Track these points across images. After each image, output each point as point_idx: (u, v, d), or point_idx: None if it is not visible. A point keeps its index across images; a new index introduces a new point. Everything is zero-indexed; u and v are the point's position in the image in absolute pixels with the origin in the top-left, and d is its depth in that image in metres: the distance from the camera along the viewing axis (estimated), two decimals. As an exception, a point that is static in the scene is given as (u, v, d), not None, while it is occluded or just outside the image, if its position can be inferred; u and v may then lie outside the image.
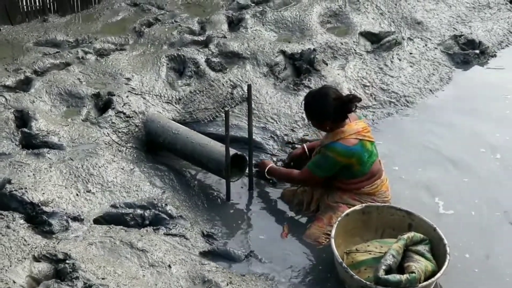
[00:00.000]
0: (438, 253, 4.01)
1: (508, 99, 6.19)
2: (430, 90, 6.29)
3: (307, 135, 5.38)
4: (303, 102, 4.43)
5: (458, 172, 5.09)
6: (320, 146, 4.46)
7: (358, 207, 4.27)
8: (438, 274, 3.85)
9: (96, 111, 5.21)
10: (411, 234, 4.00)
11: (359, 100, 4.34)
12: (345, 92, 5.80)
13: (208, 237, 4.35)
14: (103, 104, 5.26)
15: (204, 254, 4.18)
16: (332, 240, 3.98)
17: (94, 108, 5.24)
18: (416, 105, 6.06)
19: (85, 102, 5.24)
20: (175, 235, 4.25)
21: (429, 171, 5.09)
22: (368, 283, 3.79)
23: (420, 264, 3.86)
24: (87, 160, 4.64)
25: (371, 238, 4.23)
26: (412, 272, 3.78)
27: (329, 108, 4.28)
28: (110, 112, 5.13)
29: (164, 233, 4.24)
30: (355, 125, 4.39)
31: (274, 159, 5.14)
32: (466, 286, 4.07)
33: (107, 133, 4.98)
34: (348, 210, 4.23)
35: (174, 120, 5.30)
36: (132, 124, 5.13)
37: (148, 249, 3.99)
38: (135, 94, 5.39)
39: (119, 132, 5.04)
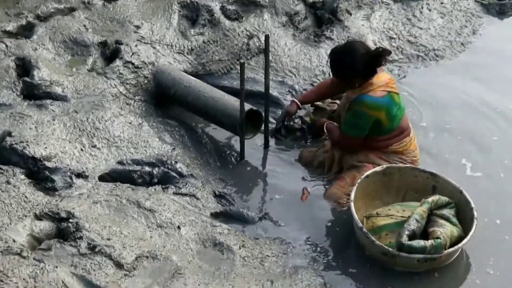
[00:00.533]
0: (464, 218, 3.95)
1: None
2: (462, 44, 6.13)
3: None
4: (329, 59, 4.31)
5: (488, 131, 5.00)
6: (347, 102, 4.36)
7: (379, 168, 4.20)
8: (465, 240, 3.80)
9: (102, 61, 5.14)
10: (435, 197, 3.94)
11: (389, 53, 4.27)
12: (370, 45, 5.66)
13: (220, 197, 4.31)
14: (110, 53, 5.18)
15: (215, 216, 4.15)
16: (352, 204, 3.92)
17: (100, 57, 5.16)
18: (447, 59, 5.91)
19: (91, 50, 5.16)
20: (185, 194, 4.22)
21: (456, 130, 5.01)
22: (390, 249, 3.75)
23: (445, 229, 3.80)
24: (92, 113, 4.58)
25: (392, 201, 4.17)
26: (438, 238, 3.73)
27: (358, 64, 4.18)
28: (118, 62, 5.05)
29: (173, 192, 4.21)
30: (383, 76, 4.32)
31: (279, 111, 5.03)
32: (494, 254, 4.01)
33: (114, 85, 4.91)
34: (368, 172, 4.16)
35: (185, 72, 5.22)
36: (141, 75, 5.05)
37: (156, 209, 3.96)
38: (145, 43, 5.30)
39: (127, 83, 4.97)
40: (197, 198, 4.22)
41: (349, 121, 4.32)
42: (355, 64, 4.18)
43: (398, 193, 4.25)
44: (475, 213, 3.89)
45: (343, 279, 3.87)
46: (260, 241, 4.00)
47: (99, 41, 5.23)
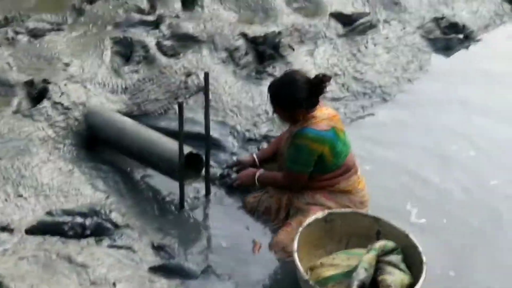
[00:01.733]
0: (413, 263, 3.96)
1: (496, 88, 6.20)
2: (409, 80, 6.29)
3: (272, 131, 5.30)
4: (269, 92, 4.35)
5: (435, 174, 5.07)
6: (289, 137, 4.40)
7: (320, 215, 4.19)
8: (417, 286, 3.81)
9: (29, 102, 5.06)
10: (382, 243, 3.96)
11: (330, 78, 4.32)
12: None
13: (159, 249, 4.25)
14: (37, 94, 5.10)
15: (154, 270, 4.07)
16: (295, 255, 3.88)
17: (26, 98, 5.09)
18: (393, 96, 6.04)
19: (15, 90, 5.08)
20: (120, 247, 4.14)
21: (403, 173, 5.07)
22: None
23: (395, 277, 3.81)
24: (18, 159, 4.49)
25: (335, 249, 4.17)
26: (389, 286, 3.74)
27: (301, 94, 4.23)
28: (45, 102, 4.97)
29: (108, 245, 4.13)
30: (326, 110, 4.38)
31: (234, 158, 5.05)
32: None
33: (42, 127, 4.83)
34: (309, 220, 4.16)
35: (119, 112, 5.17)
36: (71, 117, 4.98)
37: (89, 264, 3.87)
38: (75, 82, 5.25)
39: (56, 126, 4.89)
40: (134, 251, 4.15)
41: (292, 156, 4.35)
42: (298, 95, 4.22)
43: (341, 240, 4.25)
44: (423, 257, 3.91)
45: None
46: (203, 297, 3.96)
47: (25, 80, 5.16)
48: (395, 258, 3.94)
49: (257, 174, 4.63)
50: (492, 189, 4.95)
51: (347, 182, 4.41)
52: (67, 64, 5.39)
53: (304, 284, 3.86)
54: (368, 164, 4.99)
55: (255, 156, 4.86)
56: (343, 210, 4.29)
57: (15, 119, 4.84)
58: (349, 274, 3.81)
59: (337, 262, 3.98)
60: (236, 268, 4.18)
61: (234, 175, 4.80)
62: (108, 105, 5.22)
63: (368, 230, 4.19)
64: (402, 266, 3.93)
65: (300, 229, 4.08)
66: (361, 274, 3.77)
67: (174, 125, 5.08)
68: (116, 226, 4.27)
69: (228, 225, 4.53)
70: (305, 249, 4.08)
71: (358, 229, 4.22)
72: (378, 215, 4.21)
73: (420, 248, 3.96)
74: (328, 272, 3.93)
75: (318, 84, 4.27)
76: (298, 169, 4.35)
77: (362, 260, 3.83)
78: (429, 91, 6.16)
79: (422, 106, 5.93)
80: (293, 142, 4.33)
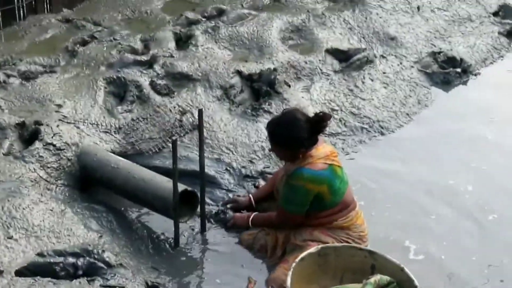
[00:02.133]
0: None
1: (494, 123, 6.21)
2: (407, 114, 6.29)
3: (268, 167, 5.28)
4: (269, 132, 4.35)
5: (432, 211, 5.03)
6: (284, 175, 4.38)
7: (313, 249, 4.15)
8: None
9: (20, 143, 5.04)
10: (377, 277, 3.89)
11: (330, 117, 4.35)
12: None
13: (153, 288, 4.20)
14: (29, 135, 5.09)
15: (148, 309, 4.02)
16: None
17: (18, 139, 5.07)
18: (391, 131, 6.03)
19: (7, 133, 5.06)
20: (113, 287, 4.08)
21: (401, 211, 5.02)
22: None
23: None
24: (8, 200, 4.45)
25: (329, 284, 4.10)
26: None
27: (302, 134, 4.23)
28: (37, 144, 4.96)
29: (100, 285, 4.06)
30: (323, 148, 4.35)
31: (230, 195, 5.03)
32: None
33: (34, 169, 4.81)
34: (302, 254, 4.10)
35: (113, 152, 5.16)
36: (64, 157, 4.96)
37: (81, 305, 3.82)
38: (67, 122, 5.24)
39: (48, 167, 4.87)
40: (128, 291, 4.09)
41: (286, 196, 4.34)
42: (298, 134, 4.22)
43: (335, 275, 4.19)
44: None
45: None
46: (199, 337, 3.89)
47: (16, 122, 5.14)
48: None
49: (251, 217, 4.63)
50: (491, 224, 4.92)
51: (345, 219, 4.38)
52: (59, 106, 5.39)
53: None
54: (365, 198, 4.95)
55: (251, 196, 4.85)
56: (336, 244, 4.24)
57: (6, 161, 4.82)
58: None
59: None
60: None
61: (230, 213, 4.77)
62: (102, 145, 5.21)
63: (362, 264, 4.14)
64: None
65: (294, 264, 4.02)
66: None
67: (168, 163, 5.08)
68: (109, 265, 4.21)
69: (223, 262, 4.48)
70: (299, 285, 4.02)
71: (352, 264, 4.17)
72: (373, 249, 4.17)
73: (416, 282, 3.90)
74: None
75: (318, 123, 4.28)
76: (292, 209, 4.33)
77: None
78: (428, 126, 6.16)
79: (421, 140, 5.92)
80: (288, 182, 4.31)
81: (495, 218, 4.96)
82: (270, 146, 4.49)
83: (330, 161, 4.31)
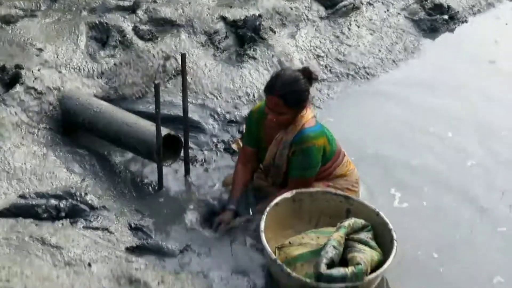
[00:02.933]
0: (383, 241, 3.92)
1: (482, 70, 6.18)
2: (393, 61, 6.26)
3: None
4: (282, 95, 4.07)
5: (417, 157, 5.03)
6: (283, 148, 4.23)
7: (288, 194, 4.13)
8: (386, 264, 3.75)
9: (1, 87, 4.96)
10: (351, 220, 3.90)
11: (316, 75, 4.29)
12: (297, 63, 5.69)
13: (137, 230, 4.18)
14: (10, 79, 5.01)
15: (131, 250, 4.00)
16: (262, 234, 3.81)
17: (-2, 83, 5.01)
18: (377, 77, 6.00)
19: (-13, 77, 5.00)
20: (96, 228, 4.07)
21: (386, 157, 5.02)
22: (309, 281, 3.64)
23: (365, 254, 3.75)
24: (-11, 143, 4.41)
25: (304, 229, 4.10)
26: (358, 264, 3.66)
27: (307, 87, 4.14)
28: (18, 87, 4.89)
29: (83, 227, 4.06)
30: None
31: (215, 140, 4.99)
32: (412, 283, 4.01)
33: (15, 112, 4.75)
34: (277, 199, 4.09)
35: (96, 97, 5.10)
36: (45, 101, 4.90)
37: (63, 246, 3.80)
38: (49, 67, 5.17)
39: (30, 111, 4.81)
40: (111, 232, 4.07)
41: (301, 164, 4.20)
42: (307, 87, 4.13)
43: (310, 220, 4.19)
44: (394, 234, 3.85)
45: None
46: (181, 276, 3.87)
47: (-3, 65, 5.07)
48: (365, 235, 3.88)
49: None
50: (470, 170, 4.94)
51: (341, 166, 4.37)
52: (40, 50, 5.31)
53: (271, 264, 3.80)
54: (352, 146, 4.91)
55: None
56: (311, 189, 4.21)
57: (-13, 104, 4.77)
58: (318, 252, 3.74)
59: (306, 241, 3.92)
60: (215, 247, 4.12)
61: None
62: (84, 89, 5.15)
63: (337, 209, 4.14)
64: (373, 243, 3.87)
65: (267, 208, 4.00)
66: (330, 252, 3.70)
67: (152, 108, 5.03)
68: (92, 208, 4.20)
69: (207, 203, 4.46)
70: (273, 230, 4.02)
71: (328, 209, 4.17)
72: (348, 194, 4.17)
73: (391, 226, 3.91)
74: (297, 251, 3.86)
75: (310, 75, 4.19)
76: (309, 174, 4.23)
77: (331, 238, 3.77)
78: (414, 73, 6.13)
79: (407, 87, 5.89)
80: (299, 149, 4.17)
81: (473, 164, 4.98)
82: (272, 114, 4.16)
83: (312, 114, 4.28)
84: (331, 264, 3.67)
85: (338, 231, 3.83)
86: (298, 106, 4.14)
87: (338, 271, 3.62)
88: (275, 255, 3.84)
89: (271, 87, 4.12)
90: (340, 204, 4.14)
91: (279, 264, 3.71)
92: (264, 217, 3.94)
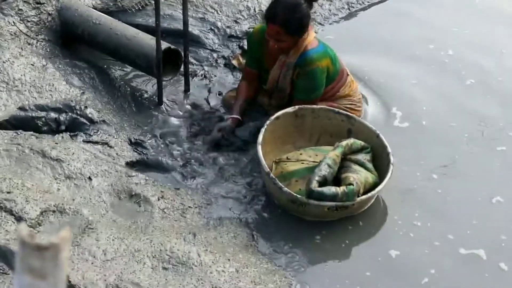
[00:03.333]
0: (381, 164, 3.94)
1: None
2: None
3: (253, 28, 5.16)
4: (284, 22, 4.00)
5: (419, 76, 4.98)
6: (287, 70, 4.20)
7: (290, 108, 4.13)
8: (379, 187, 3.80)
9: (-2, -4, 4.88)
10: (350, 141, 3.91)
11: None
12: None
13: (137, 145, 4.20)
14: (7, -13, 4.91)
15: (131, 165, 4.04)
16: (259, 147, 3.85)
17: (-5, -9, 4.90)
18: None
19: (-16, -16, 4.89)
20: (96, 142, 4.09)
21: (388, 75, 4.97)
22: (299, 196, 3.71)
23: (359, 175, 3.79)
24: (-13, 53, 4.36)
25: (304, 145, 4.12)
26: (350, 184, 3.70)
27: (308, 16, 4.08)
28: (16, -4, 4.80)
29: (83, 140, 4.07)
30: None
31: (215, 55, 4.95)
32: (411, 204, 4.03)
33: (13, 22, 4.67)
34: (278, 113, 4.10)
35: (95, 8, 5.00)
36: (44, 11, 4.81)
37: (63, 159, 3.82)
38: (47, -25, 5.05)
39: (28, 21, 4.73)
40: (110, 146, 4.10)
41: (305, 86, 4.20)
42: (308, 11, 4.07)
43: (311, 137, 4.21)
44: (391, 158, 3.87)
45: (271, 230, 3.83)
46: (181, 191, 3.92)
47: (-7, -27, 4.96)
48: (363, 156, 3.90)
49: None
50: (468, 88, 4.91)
51: (345, 86, 4.34)
52: (38, -43, 5.18)
53: (266, 178, 3.84)
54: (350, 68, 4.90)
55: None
56: (314, 106, 4.21)
57: (-15, 13, 4.69)
58: (313, 169, 3.78)
59: (303, 158, 3.95)
60: (217, 162, 4.14)
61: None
62: (83, 0, 5.05)
63: (339, 128, 4.14)
64: (369, 165, 3.89)
65: (267, 121, 4.01)
66: (323, 170, 3.73)
67: (152, 21, 4.94)
68: (91, 121, 4.21)
69: (207, 120, 4.45)
70: (272, 143, 4.05)
71: (330, 127, 4.17)
72: (350, 113, 4.17)
73: (389, 149, 3.92)
74: (293, 167, 3.90)
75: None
76: (316, 95, 4.23)
77: (327, 156, 3.79)
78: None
79: (410, 4, 5.78)
80: (303, 71, 4.15)
81: (472, 83, 4.95)
82: (272, 41, 4.11)
83: (313, 35, 4.23)
84: (323, 182, 3.72)
85: (335, 150, 3.85)
86: (299, 33, 4.09)
87: (329, 189, 3.67)
88: (272, 169, 3.88)
89: (271, 15, 4.06)
90: (342, 123, 4.14)
91: (272, 177, 3.76)
92: (263, 130, 3.96)
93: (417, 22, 5.56)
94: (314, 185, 3.67)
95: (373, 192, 3.78)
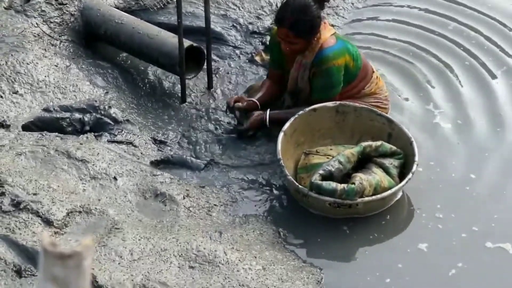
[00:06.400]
0: (407, 171, 3.84)
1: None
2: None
3: (273, 24, 5.10)
4: (292, 24, 3.95)
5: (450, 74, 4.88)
6: (304, 70, 4.14)
7: (330, 103, 4.08)
8: (386, 193, 3.70)
9: (21, -2, 4.88)
10: (377, 143, 3.85)
11: None
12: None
13: (161, 143, 4.17)
14: (30, -11, 4.91)
15: (156, 164, 4.02)
16: (282, 134, 3.85)
17: (18, -7, 4.90)
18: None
19: (7, -14, 4.88)
20: (121, 142, 4.07)
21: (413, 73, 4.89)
22: (300, 186, 3.71)
23: (371, 177, 3.71)
24: (12, 55, 4.35)
25: (344, 143, 4.07)
26: (353, 183, 3.63)
27: (318, 18, 4.01)
28: (39, -3, 4.79)
29: (107, 140, 4.05)
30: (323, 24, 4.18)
31: (237, 52, 4.90)
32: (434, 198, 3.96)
33: (36, 23, 4.66)
34: (316, 105, 4.05)
35: (117, 7, 4.98)
36: (66, 12, 4.80)
37: (88, 159, 3.80)
38: (69, -24, 5.04)
39: (51, 22, 4.72)
40: (135, 146, 4.07)
41: (322, 85, 4.13)
42: (318, 13, 4.02)
43: (352, 136, 4.13)
44: (415, 166, 3.78)
45: (297, 226, 3.79)
46: (207, 190, 3.89)
47: (16, -25, 4.95)
48: (390, 161, 3.83)
49: (267, 114, 4.21)
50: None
51: (370, 84, 4.27)
52: (60, -41, 5.17)
53: (278, 164, 3.83)
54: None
55: (256, 101, 4.29)
56: (356, 104, 4.14)
57: (8, 15, 4.66)
58: None
59: (331, 153, 3.92)
60: (240, 161, 4.11)
61: (246, 123, 4.28)
62: (105, 0, 5.03)
63: (380, 131, 4.06)
64: (393, 171, 3.81)
65: (300, 111, 3.99)
66: (331, 165, 3.71)
67: (173, 19, 4.89)
68: (116, 121, 4.19)
69: (232, 117, 4.40)
70: (306, 134, 4.05)
71: (372, 128, 4.09)
72: (392, 117, 4.10)
73: (417, 158, 3.82)
74: (317, 160, 3.89)
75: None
76: (333, 93, 4.16)
77: (341, 153, 3.77)
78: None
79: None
80: (319, 70, 4.09)
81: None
82: (284, 44, 4.07)
83: (332, 32, 4.16)
84: (328, 177, 3.68)
85: (353, 148, 3.82)
86: (309, 35, 4.03)
87: (329, 184, 3.64)
88: (302, 159, 3.90)
89: (280, 19, 4.02)
90: (383, 126, 4.05)
91: (281, 164, 3.76)
92: (292, 118, 3.94)
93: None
94: (315, 178, 3.65)
95: (378, 196, 3.68)
